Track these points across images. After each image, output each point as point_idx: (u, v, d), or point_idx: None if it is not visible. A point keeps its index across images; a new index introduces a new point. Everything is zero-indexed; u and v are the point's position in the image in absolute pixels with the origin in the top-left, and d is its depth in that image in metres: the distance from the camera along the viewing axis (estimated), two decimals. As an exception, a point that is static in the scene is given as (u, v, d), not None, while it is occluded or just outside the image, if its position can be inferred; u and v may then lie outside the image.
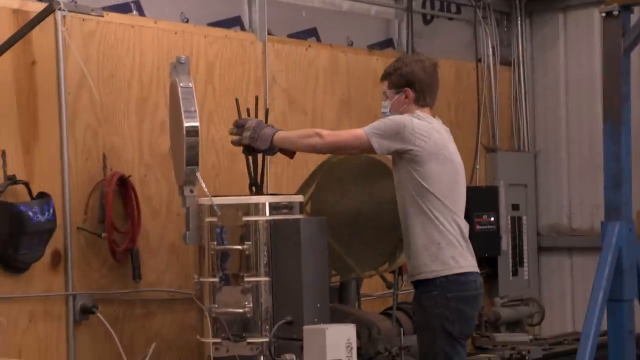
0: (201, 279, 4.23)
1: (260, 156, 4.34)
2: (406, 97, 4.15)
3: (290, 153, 4.33)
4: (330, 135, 4.16)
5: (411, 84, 4.15)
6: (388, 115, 4.16)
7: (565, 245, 7.03)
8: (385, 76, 4.26)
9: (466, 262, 4.06)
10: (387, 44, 6.33)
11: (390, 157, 4.20)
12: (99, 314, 4.41)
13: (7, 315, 4.01)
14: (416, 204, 4.02)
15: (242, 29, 5.39)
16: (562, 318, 6.86)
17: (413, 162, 4.02)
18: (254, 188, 4.34)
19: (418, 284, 4.13)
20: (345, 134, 4.22)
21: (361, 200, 4.65)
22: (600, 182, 6.28)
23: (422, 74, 4.16)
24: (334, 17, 6.00)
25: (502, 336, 5.34)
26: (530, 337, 5.42)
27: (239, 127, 4.25)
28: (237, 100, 4.42)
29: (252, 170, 4.33)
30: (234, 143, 4.33)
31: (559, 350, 5.51)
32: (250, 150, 4.27)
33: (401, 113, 4.13)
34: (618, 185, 5.47)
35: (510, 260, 6.70)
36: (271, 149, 4.22)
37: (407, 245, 4.14)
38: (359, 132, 4.08)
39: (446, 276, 4.00)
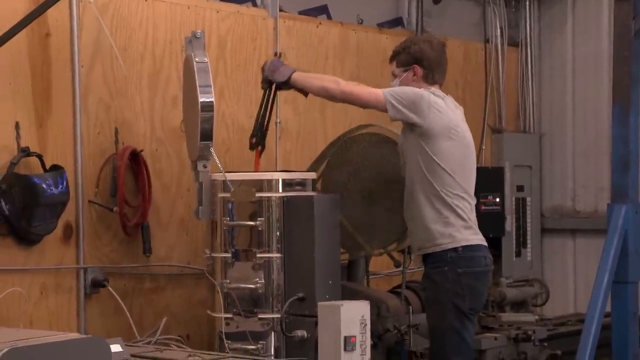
0: (213, 254, 4.25)
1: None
2: (414, 75, 4.19)
3: (304, 92, 4.37)
4: (348, 85, 4.18)
5: (419, 61, 4.18)
6: None
7: (569, 227, 7.04)
8: (394, 56, 4.30)
9: (475, 236, 4.10)
10: (397, 22, 6.32)
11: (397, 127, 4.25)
12: (109, 288, 4.43)
13: (19, 287, 4.01)
14: (425, 178, 4.05)
15: (254, 4, 5.36)
16: (564, 299, 6.89)
17: (424, 136, 4.05)
18: (254, 139, 4.45)
19: (428, 258, 4.16)
20: (362, 89, 4.20)
21: (371, 179, 4.66)
22: (604, 164, 6.34)
23: (430, 52, 4.19)
24: (345, -6, 5.99)
25: (508, 316, 5.36)
26: (536, 317, 5.44)
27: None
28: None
29: (262, 110, 4.42)
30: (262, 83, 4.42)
31: (563, 331, 5.52)
32: (268, 84, 4.37)
33: None
34: (626, 168, 5.48)
35: (514, 241, 6.72)
36: (286, 84, 4.26)
37: (414, 218, 4.17)
38: (377, 91, 4.11)
39: (456, 250, 4.03)
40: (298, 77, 4.24)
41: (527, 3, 7.04)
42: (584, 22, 6.96)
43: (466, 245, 4.06)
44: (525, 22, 7.06)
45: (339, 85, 4.14)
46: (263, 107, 4.44)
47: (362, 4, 6.04)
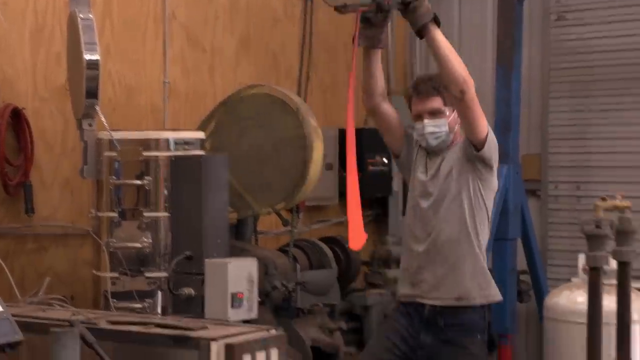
0: (99, 214, 4.20)
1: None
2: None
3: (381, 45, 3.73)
4: (474, 92, 3.59)
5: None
6: (442, 136, 3.73)
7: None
8: (437, 92, 3.74)
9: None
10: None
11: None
12: (-11, 248, 4.33)
13: None
14: (473, 227, 3.75)
15: (142, -39, 5.27)
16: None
17: (486, 181, 3.75)
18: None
19: (464, 319, 3.74)
20: (480, 111, 3.65)
21: (261, 138, 4.68)
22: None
23: None
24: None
25: (393, 272, 5.50)
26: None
27: None
28: None
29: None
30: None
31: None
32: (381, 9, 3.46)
33: (454, 134, 3.79)
34: (507, 129, 5.70)
35: (401, 201, 6.86)
36: (423, 22, 3.46)
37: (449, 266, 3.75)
38: (484, 123, 3.67)
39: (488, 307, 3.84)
40: (438, 34, 3.52)
41: (416, -34, 7.11)
42: (469, -14, 7.10)
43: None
44: (413, -14, 7.13)
45: (471, 86, 3.54)
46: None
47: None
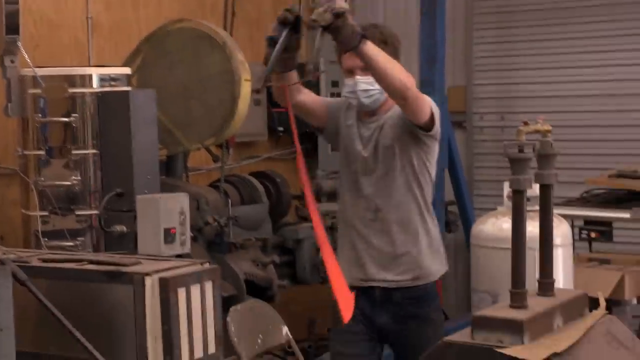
0: (25, 152, 4.15)
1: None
2: None
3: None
4: (416, 90, 3.27)
5: (398, 51, 3.41)
6: (375, 95, 3.37)
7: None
8: (385, 44, 3.33)
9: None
10: None
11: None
12: None
13: None
14: (422, 199, 3.51)
15: None
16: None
17: (431, 153, 3.51)
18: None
19: (420, 292, 3.55)
20: (420, 95, 3.33)
21: (188, 74, 4.65)
22: (413, 57, 6.55)
23: (397, 36, 3.49)
24: None
25: (324, 206, 5.57)
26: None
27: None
28: None
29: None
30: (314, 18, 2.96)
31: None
32: (325, 28, 2.96)
33: None
34: (433, 60, 5.75)
35: (331, 136, 6.92)
36: (353, 45, 3.03)
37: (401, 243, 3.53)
38: (425, 98, 3.37)
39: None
40: (371, 47, 3.09)
41: None
42: None
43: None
44: None
45: (412, 86, 3.19)
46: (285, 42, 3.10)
47: None
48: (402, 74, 3.16)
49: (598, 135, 6.30)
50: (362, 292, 3.41)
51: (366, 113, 3.49)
